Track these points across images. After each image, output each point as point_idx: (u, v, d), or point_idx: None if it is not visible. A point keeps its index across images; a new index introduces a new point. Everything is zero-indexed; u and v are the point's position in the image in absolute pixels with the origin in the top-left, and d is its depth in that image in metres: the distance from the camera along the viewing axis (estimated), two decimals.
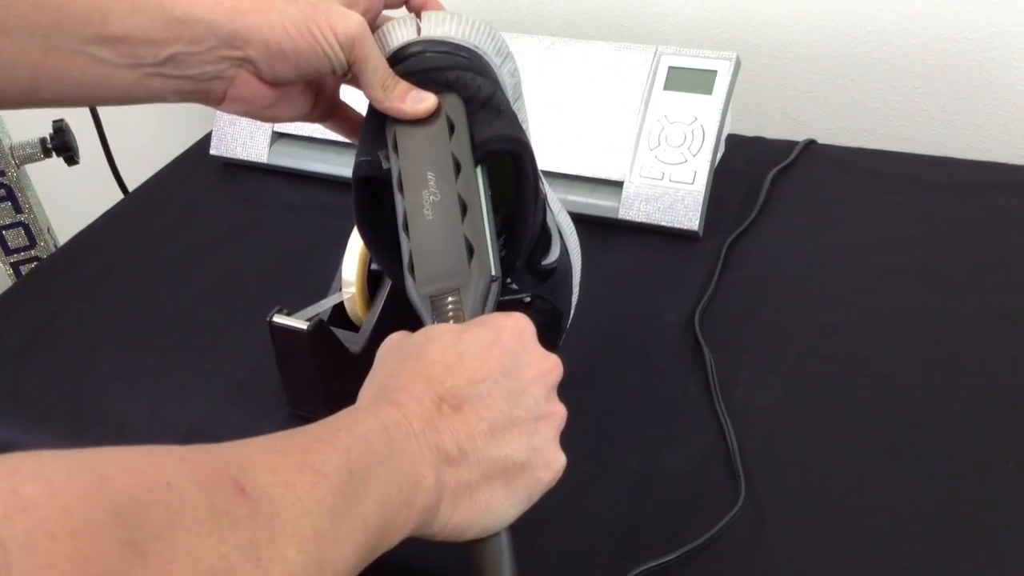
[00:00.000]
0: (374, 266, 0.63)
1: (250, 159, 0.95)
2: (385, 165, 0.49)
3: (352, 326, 0.63)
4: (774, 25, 0.99)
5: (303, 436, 0.36)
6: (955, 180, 0.84)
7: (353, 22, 0.47)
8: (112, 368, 0.72)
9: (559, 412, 0.45)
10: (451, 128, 0.48)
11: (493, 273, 0.47)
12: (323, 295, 0.63)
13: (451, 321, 0.46)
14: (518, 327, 0.44)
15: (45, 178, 1.22)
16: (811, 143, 0.92)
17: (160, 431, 0.66)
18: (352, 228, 0.61)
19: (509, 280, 0.54)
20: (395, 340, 0.45)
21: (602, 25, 1.06)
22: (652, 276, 0.78)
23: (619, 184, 0.82)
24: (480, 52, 0.51)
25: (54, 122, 1.11)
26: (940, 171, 0.86)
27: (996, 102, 0.95)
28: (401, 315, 0.49)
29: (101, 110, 1.11)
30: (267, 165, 0.94)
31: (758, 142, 0.93)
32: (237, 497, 0.30)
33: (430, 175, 0.47)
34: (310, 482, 0.33)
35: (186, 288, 0.81)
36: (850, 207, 0.83)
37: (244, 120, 0.94)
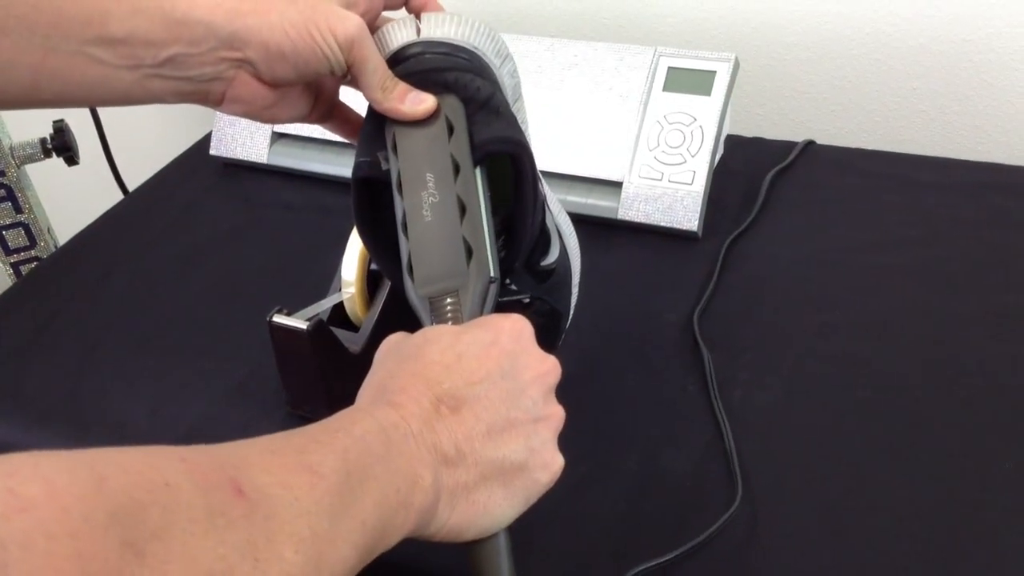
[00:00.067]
0: (374, 266, 0.63)
1: (250, 159, 0.95)
2: (384, 166, 0.49)
3: (352, 326, 0.63)
4: (773, 26, 0.99)
5: (301, 437, 0.36)
6: (953, 181, 0.85)
7: (352, 23, 0.47)
8: (112, 368, 0.72)
9: (557, 413, 0.45)
10: (450, 129, 0.48)
11: (492, 274, 0.47)
12: (323, 295, 0.63)
13: (449, 322, 0.46)
14: (516, 328, 0.44)
15: (45, 178, 1.22)
16: (810, 144, 0.92)
17: (160, 431, 0.66)
18: (352, 228, 0.61)
19: (508, 281, 0.54)
20: (393, 341, 0.46)
21: (601, 26, 1.06)
22: (651, 276, 0.78)
23: (618, 185, 0.82)
24: (479, 53, 0.51)
25: (54, 122, 1.11)
26: (938, 172, 0.86)
27: (994, 103, 0.95)
28: (401, 315, 0.49)
29: (101, 110, 1.11)
30: (267, 165, 0.95)
31: (757, 143, 0.93)
32: (235, 497, 0.30)
33: (429, 176, 0.47)
34: (307, 483, 0.33)
35: (186, 288, 0.81)
36: (849, 208, 0.83)
37: (244, 120, 0.94)
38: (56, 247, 1.17)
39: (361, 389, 0.44)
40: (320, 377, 0.61)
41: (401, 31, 0.50)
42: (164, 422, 0.67)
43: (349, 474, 0.35)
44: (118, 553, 0.26)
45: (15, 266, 1.18)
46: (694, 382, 0.66)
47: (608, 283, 0.75)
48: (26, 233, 1.17)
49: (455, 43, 0.50)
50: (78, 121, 1.12)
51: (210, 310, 0.78)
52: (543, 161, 0.61)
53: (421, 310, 0.47)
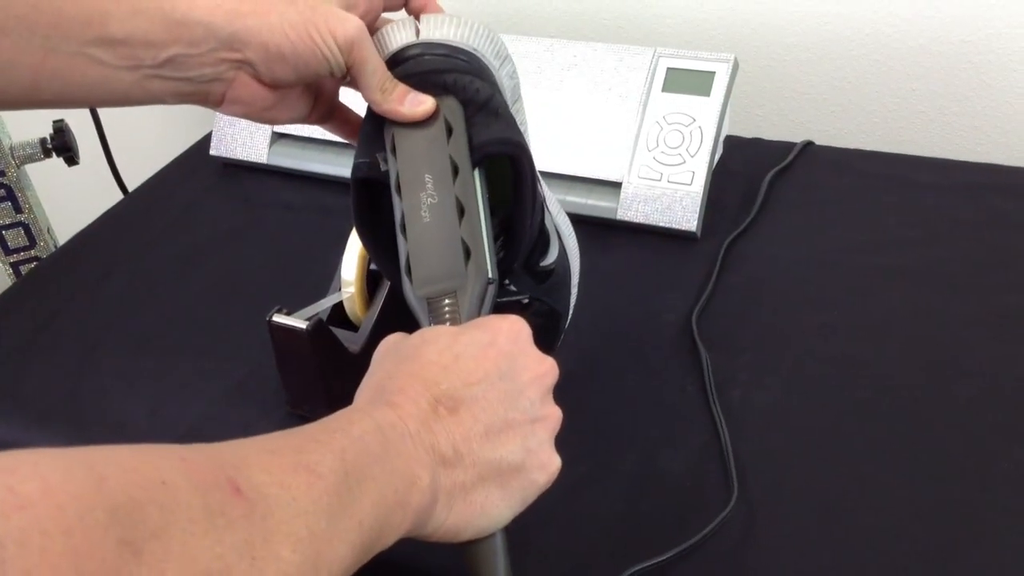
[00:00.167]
0: (373, 266, 0.63)
1: (250, 159, 0.95)
2: (383, 167, 0.49)
3: (351, 326, 0.63)
4: (772, 27, 0.99)
5: (299, 437, 0.36)
6: (952, 182, 0.85)
7: (352, 25, 0.47)
8: (112, 368, 0.72)
9: (555, 414, 0.45)
10: (449, 131, 0.48)
11: (490, 275, 0.47)
12: (322, 295, 0.63)
13: (448, 323, 0.46)
14: (514, 329, 0.44)
15: (45, 178, 1.22)
16: (809, 145, 0.92)
17: (160, 431, 0.66)
18: (351, 228, 0.61)
19: (507, 282, 0.55)
20: (392, 341, 0.46)
21: (601, 27, 1.07)
22: (650, 277, 0.78)
23: (617, 185, 0.82)
24: (479, 55, 0.51)
25: (54, 122, 1.11)
26: (937, 173, 0.86)
27: (993, 104, 0.95)
28: (400, 315, 0.49)
29: (101, 111, 1.11)
30: (267, 165, 0.95)
31: (756, 143, 0.93)
32: (232, 497, 0.30)
33: (428, 177, 0.48)
34: (305, 482, 0.33)
35: (186, 288, 0.81)
36: (848, 208, 0.83)
37: (244, 121, 0.93)
38: (56, 247, 1.17)
39: (359, 389, 0.44)
40: (320, 377, 0.61)
41: (400, 32, 0.50)
42: (164, 422, 0.67)
43: (347, 474, 0.35)
44: (115, 551, 0.26)
45: (15, 266, 1.18)
46: (693, 382, 0.66)
47: (607, 283, 0.75)
48: (26, 233, 1.17)
49: (454, 45, 0.50)
50: (78, 121, 1.12)
51: (210, 310, 0.78)
52: (542, 161, 0.61)
53: (419, 311, 0.47)
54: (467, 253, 0.47)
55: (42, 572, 0.24)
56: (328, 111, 0.55)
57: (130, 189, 1.01)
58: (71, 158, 1.12)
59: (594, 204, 0.83)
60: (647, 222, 0.81)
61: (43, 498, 0.25)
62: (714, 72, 0.82)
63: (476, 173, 0.48)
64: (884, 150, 0.92)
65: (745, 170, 0.88)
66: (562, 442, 0.45)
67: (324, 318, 0.61)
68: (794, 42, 1.00)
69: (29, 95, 0.47)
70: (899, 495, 0.57)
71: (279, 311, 0.60)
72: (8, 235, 1.16)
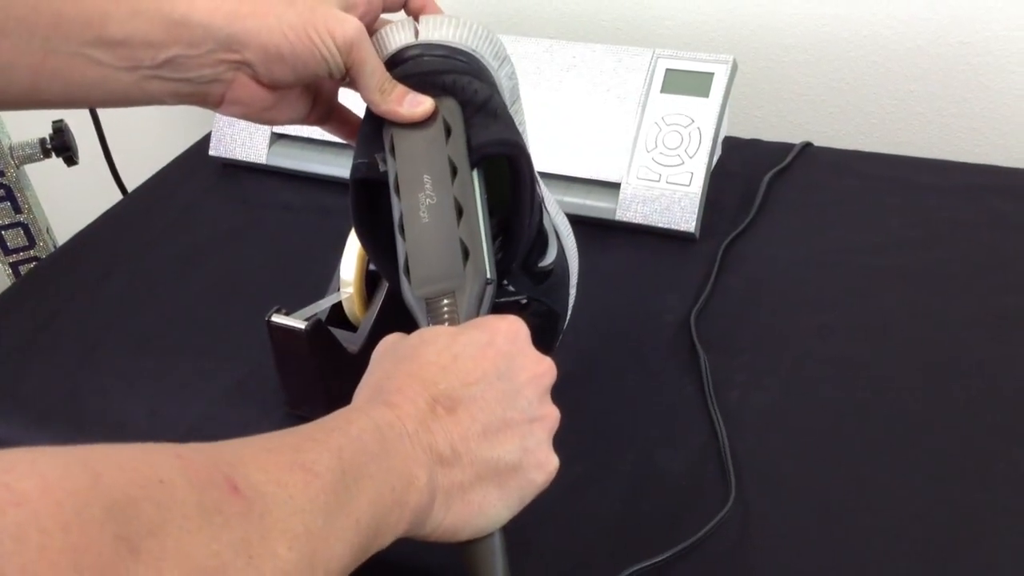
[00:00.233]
0: (372, 266, 0.63)
1: (249, 160, 0.95)
2: (382, 168, 0.49)
3: (350, 326, 0.63)
4: (771, 29, 1.00)
5: (296, 435, 0.36)
6: (951, 183, 0.85)
7: (351, 26, 0.47)
8: (112, 368, 0.72)
9: (552, 414, 0.45)
10: (448, 131, 0.49)
11: (488, 276, 0.47)
12: (322, 295, 0.63)
13: (446, 323, 0.46)
14: (512, 330, 0.45)
15: (45, 178, 1.22)
16: (807, 146, 0.92)
17: (160, 431, 0.66)
18: (350, 229, 0.61)
19: (506, 282, 0.55)
20: (390, 342, 0.46)
21: (600, 28, 1.07)
22: (649, 277, 0.78)
23: (616, 186, 0.82)
24: (478, 56, 0.51)
25: (54, 122, 1.12)
26: (936, 174, 0.86)
27: (991, 105, 0.95)
28: (399, 315, 0.49)
29: (101, 111, 1.11)
30: (266, 166, 0.95)
31: (754, 144, 0.93)
32: (229, 495, 0.30)
33: (426, 178, 0.48)
34: (302, 481, 0.33)
35: (186, 288, 0.81)
36: (846, 209, 0.83)
37: (243, 121, 0.94)
38: (55, 247, 1.17)
39: (357, 389, 0.44)
40: (319, 377, 0.61)
41: (399, 33, 0.51)
42: (163, 422, 0.67)
43: (344, 473, 0.35)
44: (112, 548, 0.26)
45: (14, 266, 1.18)
46: (691, 383, 0.67)
47: (606, 284, 0.76)
48: (25, 233, 1.17)
49: (453, 45, 0.50)
50: (78, 121, 1.12)
51: (210, 310, 0.78)
52: (541, 162, 0.61)
53: (418, 311, 0.47)
54: (465, 253, 0.47)
55: (40, 568, 0.24)
56: (327, 112, 0.55)
57: (129, 189, 1.01)
58: (70, 158, 1.13)
59: (593, 205, 0.83)
60: (646, 223, 0.81)
61: (41, 495, 0.25)
62: (713, 73, 0.82)
63: (475, 174, 0.49)
64: (882, 151, 0.92)
65: (744, 171, 0.88)
66: (560, 442, 0.45)
67: (323, 318, 0.61)
68: (792, 43, 1.00)
69: (29, 95, 0.47)
70: (898, 495, 0.57)
71: (278, 311, 0.60)
72: (7, 235, 1.17)
